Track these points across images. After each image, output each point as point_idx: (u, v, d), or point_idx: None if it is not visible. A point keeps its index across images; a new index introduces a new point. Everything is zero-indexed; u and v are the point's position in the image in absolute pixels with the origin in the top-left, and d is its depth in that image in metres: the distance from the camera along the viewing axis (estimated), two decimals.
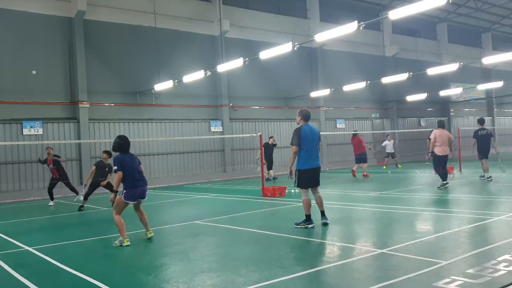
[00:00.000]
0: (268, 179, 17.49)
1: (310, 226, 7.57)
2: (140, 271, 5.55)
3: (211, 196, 14.07)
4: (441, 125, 12.40)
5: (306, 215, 7.63)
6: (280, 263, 5.43)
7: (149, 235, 7.31)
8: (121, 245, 6.95)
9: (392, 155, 23.30)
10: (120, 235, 7.02)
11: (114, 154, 7.44)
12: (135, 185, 6.95)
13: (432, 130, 13.28)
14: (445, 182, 12.10)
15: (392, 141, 23.49)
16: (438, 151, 12.00)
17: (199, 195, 14.37)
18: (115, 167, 6.92)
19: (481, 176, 14.11)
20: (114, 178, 7.09)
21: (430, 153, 12.32)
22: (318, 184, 7.80)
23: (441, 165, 12.19)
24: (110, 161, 12.03)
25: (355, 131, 19.99)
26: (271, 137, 19.03)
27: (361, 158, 17.98)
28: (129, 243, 6.96)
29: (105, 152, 12.38)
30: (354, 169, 18.17)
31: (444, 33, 33.17)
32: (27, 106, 16.69)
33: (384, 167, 23.29)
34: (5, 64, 16.45)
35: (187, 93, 20.35)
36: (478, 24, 32.48)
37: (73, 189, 14.10)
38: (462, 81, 32.00)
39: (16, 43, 16.70)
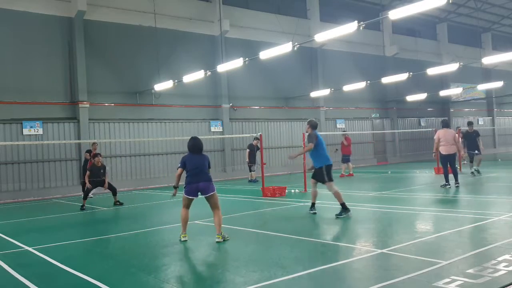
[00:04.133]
0: (253, 181, 17.79)
1: (349, 212, 8.42)
2: (140, 271, 5.55)
3: None
4: (445, 124, 12.44)
5: (341, 204, 8.47)
6: (280, 263, 5.43)
7: (217, 239, 6.88)
8: (179, 240, 7.11)
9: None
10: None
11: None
12: (190, 181, 7.15)
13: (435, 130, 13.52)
14: (447, 183, 12.11)
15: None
16: (443, 150, 12.01)
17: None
18: (178, 165, 7.35)
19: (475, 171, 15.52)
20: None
21: (433, 153, 12.37)
22: None
23: (446, 165, 12.15)
24: (103, 161, 13.02)
25: (345, 131, 20.01)
26: (256, 139, 17.48)
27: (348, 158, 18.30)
28: (185, 238, 7.08)
29: (99, 154, 13.03)
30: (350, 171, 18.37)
31: (444, 33, 33.16)
32: (27, 106, 16.68)
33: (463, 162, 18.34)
34: (5, 64, 16.44)
35: (187, 93, 20.35)
36: (478, 24, 32.46)
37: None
38: (462, 81, 32.00)
39: (16, 43, 16.69)
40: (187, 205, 7.29)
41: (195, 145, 7.41)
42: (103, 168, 12.70)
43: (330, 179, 8.57)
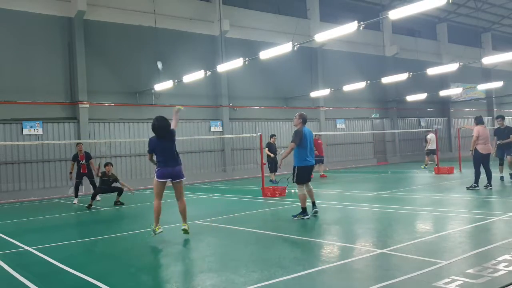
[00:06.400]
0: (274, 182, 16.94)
1: (306, 217, 8.40)
2: (140, 271, 5.55)
3: (211, 196, 14.07)
4: (480, 121, 11.59)
5: (302, 208, 8.51)
6: (280, 263, 5.43)
7: (183, 227, 7.29)
8: (154, 234, 7.18)
9: (433, 152, 19.78)
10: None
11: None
12: (164, 165, 7.12)
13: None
14: (476, 185, 11.48)
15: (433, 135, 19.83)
16: (482, 149, 11.30)
17: (199, 195, 14.37)
18: (147, 149, 7.38)
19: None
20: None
21: (471, 151, 11.52)
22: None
23: (481, 165, 11.43)
24: (113, 171, 12.85)
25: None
26: (273, 136, 17.40)
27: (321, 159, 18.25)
28: (160, 230, 7.20)
29: (108, 164, 12.82)
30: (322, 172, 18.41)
31: (444, 33, 33.17)
32: (27, 106, 16.68)
33: (423, 166, 20.51)
34: (5, 64, 16.45)
35: (187, 93, 20.34)
36: (478, 24, 32.45)
37: (95, 188, 14.00)
38: (462, 81, 32.01)
39: (16, 43, 16.69)
40: (160, 193, 7.29)
41: (160, 127, 7.10)
42: (113, 179, 12.62)
43: (298, 181, 8.41)
